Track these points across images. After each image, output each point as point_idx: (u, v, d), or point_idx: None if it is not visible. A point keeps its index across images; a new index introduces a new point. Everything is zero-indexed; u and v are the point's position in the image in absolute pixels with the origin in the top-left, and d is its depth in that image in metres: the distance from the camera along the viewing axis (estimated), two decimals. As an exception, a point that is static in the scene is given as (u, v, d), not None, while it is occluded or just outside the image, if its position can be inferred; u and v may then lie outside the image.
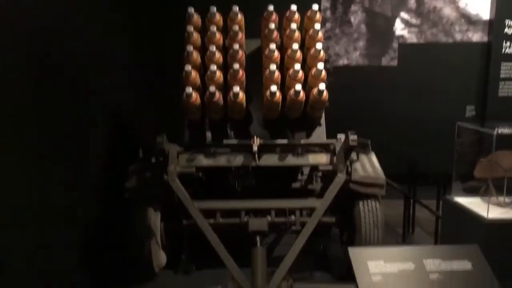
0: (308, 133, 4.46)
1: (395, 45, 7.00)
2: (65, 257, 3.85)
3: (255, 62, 4.37)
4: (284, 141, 4.27)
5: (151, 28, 6.10)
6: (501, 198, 3.15)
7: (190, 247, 4.55)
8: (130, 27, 5.52)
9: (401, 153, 6.44)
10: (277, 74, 3.98)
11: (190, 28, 4.18)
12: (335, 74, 4.87)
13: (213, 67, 3.95)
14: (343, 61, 7.04)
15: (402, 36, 6.99)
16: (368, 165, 4.34)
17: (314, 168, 4.51)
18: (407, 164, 5.77)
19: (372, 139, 4.55)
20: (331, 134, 4.55)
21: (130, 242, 4.21)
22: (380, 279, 2.64)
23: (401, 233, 5.65)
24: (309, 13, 4.30)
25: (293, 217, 4.08)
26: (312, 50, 4.09)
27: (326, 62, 5.03)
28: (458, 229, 3.17)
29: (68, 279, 3.92)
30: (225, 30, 4.39)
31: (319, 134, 4.48)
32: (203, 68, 4.21)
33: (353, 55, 7.05)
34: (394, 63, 7.02)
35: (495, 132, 2.94)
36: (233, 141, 4.28)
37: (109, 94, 4.79)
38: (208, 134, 4.41)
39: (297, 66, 3.94)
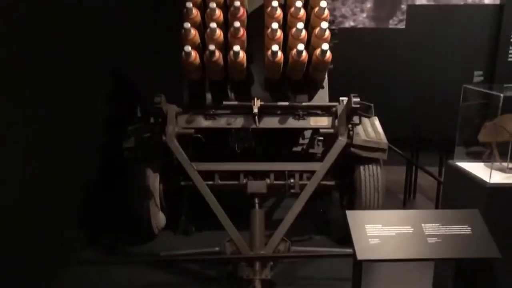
0: (310, 96, 4.36)
1: (403, 7, 6.77)
2: (64, 216, 3.87)
3: (258, 22, 4.23)
4: (286, 103, 4.18)
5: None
6: (504, 164, 3.06)
7: (189, 208, 4.54)
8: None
9: (405, 118, 6.33)
10: (279, 33, 3.85)
11: (189, -16, 4.02)
12: (340, 36, 4.70)
13: (213, 25, 3.82)
14: (349, 23, 6.84)
15: (411, -3, 6.75)
16: (371, 129, 4.26)
17: (315, 131, 4.44)
18: (411, 129, 5.70)
19: (376, 103, 4.45)
20: (335, 98, 4.44)
21: (129, 203, 4.19)
22: (378, 242, 2.60)
23: (402, 199, 5.63)
24: (313, -31, 4.11)
25: (292, 180, 4.03)
26: (316, 9, 3.94)
27: (331, 23, 4.85)
28: (460, 194, 3.11)
29: (67, 238, 3.93)
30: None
31: (322, 97, 4.38)
32: (203, 27, 4.08)
33: (360, 16, 6.83)
34: (402, 25, 6.81)
35: (502, 94, 2.83)
36: (233, 103, 4.20)
37: (108, 53, 4.69)
38: (208, 95, 4.32)
39: (300, 25, 3.80)
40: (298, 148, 4.96)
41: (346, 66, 6.10)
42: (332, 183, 4.24)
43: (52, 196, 3.60)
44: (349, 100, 3.83)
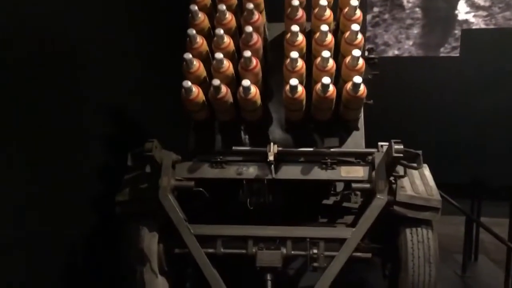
0: (342, 140, 3.55)
1: (457, 32, 5.89)
2: (50, 282, 3.32)
3: (279, 51, 3.51)
4: (309, 149, 3.40)
5: (150, 11, 5.30)
6: None
7: (196, 273, 3.78)
8: (130, 12, 4.78)
9: (462, 161, 5.46)
10: (300, 64, 3.12)
11: (194, 7, 3.36)
12: (382, 66, 3.94)
13: (219, 55, 3.15)
14: (392, 52, 6.03)
15: (466, 21, 5.89)
16: (419, 181, 3.37)
17: (347, 184, 3.60)
18: (469, 174, 4.84)
19: (428, 144, 3.60)
20: (376, 140, 3.60)
21: (122, 267, 3.50)
22: None
23: (460, 261, 4.63)
24: (344, -14, 3.38)
25: (315, 251, 3.17)
26: (347, 34, 3.18)
27: (370, 51, 4.07)
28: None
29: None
30: (241, 11, 3.56)
31: (356, 141, 3.56)
32: (212, 58, 3.41)
33: (405, 44, 6.02)
34: (456, 53, 5.93)
35: None
36: (244, 148, 3.47)
37: (108, 92, 4.11)
38: (218, 139, 3.63)
39: (326, 54, 3.05)
40: (330, 201, 4.12)
41: (389, 101, 5.32)
42: (368, 255, 3.32)
43: (36, 261, 3.08)
44: (390, 148, 2.99)
